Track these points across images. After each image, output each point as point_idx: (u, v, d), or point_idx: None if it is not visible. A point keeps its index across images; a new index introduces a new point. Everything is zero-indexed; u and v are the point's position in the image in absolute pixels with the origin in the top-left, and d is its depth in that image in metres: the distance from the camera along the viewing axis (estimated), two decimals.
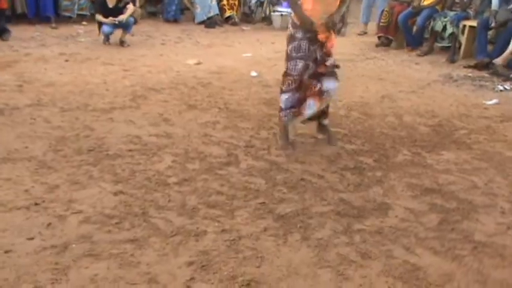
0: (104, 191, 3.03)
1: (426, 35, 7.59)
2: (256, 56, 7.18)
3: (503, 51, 6.37)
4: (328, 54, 3.76)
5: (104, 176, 3.24)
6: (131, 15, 7.20)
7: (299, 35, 3.68)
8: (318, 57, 3.72)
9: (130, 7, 7.18)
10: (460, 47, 7.27)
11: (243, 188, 3.18)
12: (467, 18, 7.18)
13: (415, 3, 7.60)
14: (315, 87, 3.78)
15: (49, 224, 2.63)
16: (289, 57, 3.75)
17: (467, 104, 5.34)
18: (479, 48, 6.82)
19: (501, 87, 5.89)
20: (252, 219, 2.81)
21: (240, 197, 3.07)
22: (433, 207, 3.05)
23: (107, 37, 7.27)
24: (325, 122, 4.13)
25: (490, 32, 6.83)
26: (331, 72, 3.80)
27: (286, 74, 3.80)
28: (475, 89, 5.93)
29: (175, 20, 9.47)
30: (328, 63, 3.76)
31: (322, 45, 3.70)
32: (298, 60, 3.70)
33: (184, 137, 4.05)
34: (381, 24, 8.00)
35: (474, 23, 6.97)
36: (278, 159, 3.71)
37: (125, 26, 7.19)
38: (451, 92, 5.81)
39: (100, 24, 7.22)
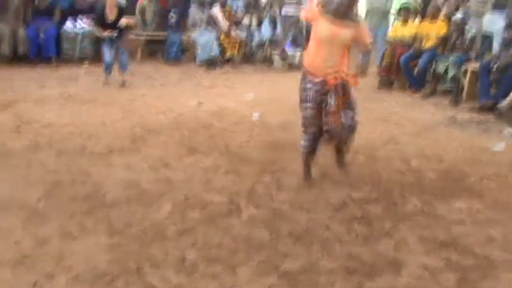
0: (97, 244, 2.85)
1: (428, 77, 7.53)
2: (258, 97, 7.08)
3: (507, 94, 6.28)
4: (348, 102, 3.70)
5: (98, 226, 3.07)
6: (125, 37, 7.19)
7: (308, 84, 3.70)
8: (333, 102, 3.64)
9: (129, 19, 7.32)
10: (463, 90, 7.19)
11: (245, 241, 3.00)
12: (468, 60, 7.13)
13: (416, 45, 7.59)
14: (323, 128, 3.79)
15: (35, 283, 2.44)
16: (300, 101, 3.80)
17: (474, 148, 5.19)
18: (483, 91, 6.73)
19: (508, 131, 5.76)
20: (256, 276, 2.63)
21: (242, 250, 2.89)
22: (449, 263, 2.86)
23: (108, 69, 7.18)
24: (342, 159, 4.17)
25: (492, 75, 6.74)
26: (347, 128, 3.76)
27: (303, 117, 3.83)
28: (481, 133, 5.79)
29: (176, 61, 9.45)
30: (344, 119, 3.69)
31: (336, 91, 3.63)
32: (308, 106, 3.73)
33: (185, 182, 3.90)
34: (383, 64, 7.97)
35: (476, 66, 6.91)
36: (282, 207, 3.55)
37: (121, 56, 7.17)
38: (457, 135, 5.68)
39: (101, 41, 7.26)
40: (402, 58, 7.58)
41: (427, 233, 3.24)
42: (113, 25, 7.09)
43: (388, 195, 3.88)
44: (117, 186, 3.71)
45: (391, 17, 8.81)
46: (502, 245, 3.12)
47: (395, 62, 7.72)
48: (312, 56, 3.72)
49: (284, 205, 3.58)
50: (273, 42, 10.12)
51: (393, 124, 5.96)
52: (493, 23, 7.19)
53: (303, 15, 3.84)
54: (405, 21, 7.96)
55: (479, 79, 6.80)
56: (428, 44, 7.49)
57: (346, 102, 3.72)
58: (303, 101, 3.76)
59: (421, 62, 7.34)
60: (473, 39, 7.14)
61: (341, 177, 4.11)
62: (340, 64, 3.67)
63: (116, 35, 7.08)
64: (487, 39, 7.09)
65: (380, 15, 8.77)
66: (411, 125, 5.96)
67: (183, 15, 9.75)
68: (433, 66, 7.27)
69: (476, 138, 5.58)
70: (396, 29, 8.13)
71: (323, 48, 3.64)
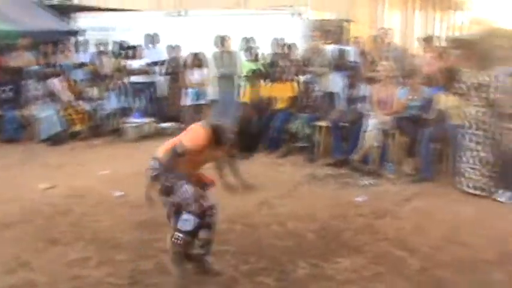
0: None
1: (285, 137, 7.77)
2: (114, 173, 6.59)
3: (357, 147, 6.74)
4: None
5: None
6: None
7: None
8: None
9: None
10: (317, 146, 7.53)
11: None
12: (318, 118, 7.55)
13: (269, 107, 7.85)
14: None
15: None
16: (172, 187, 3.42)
17: (340, 202, 5.37)
18: (335, 147, 7.14)
19: (364, 182, 6.13)
20: None
21: None
22: None
23: None
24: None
25: (343, 130, 7.20)
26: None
27: (188, 193, 3.41)
28: (341, 187, 6.02)
29: (15, 139, 8.52)
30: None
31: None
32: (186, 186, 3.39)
33: (50, 284, 3.35)
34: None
35: (327, 123, 7.33)
36: None
37: None
38: (320, 191, 5.84)
39: None
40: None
41: None
42: None
43: (276, 263, 3.82)
44: None
45: (240, 81, 9.04)
46: None
47: None
48: (194, 165, 3.51)
49: None
50: (122, 112, 9.75)
51: (261, 188, 5.91)
52: (335, 83, 7.82)
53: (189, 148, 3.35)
54: (255, 84, 8.24)
55: (331, 135, 7.22)
56: (280, 105, 7.80)
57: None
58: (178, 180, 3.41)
59: (275, 122, 7.58)
60: (319, 98, 7.63)
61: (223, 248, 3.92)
62: None
63: None
64: (331, 97, 7.64)
65: (228, 80, 8.99)
66: (276, 187, 5.97)
67: (18, 90, 8.95)
68: (287, 126, 7.54)
69: (339, 192, 5.80)
70: (247, 93, 8.36)
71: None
